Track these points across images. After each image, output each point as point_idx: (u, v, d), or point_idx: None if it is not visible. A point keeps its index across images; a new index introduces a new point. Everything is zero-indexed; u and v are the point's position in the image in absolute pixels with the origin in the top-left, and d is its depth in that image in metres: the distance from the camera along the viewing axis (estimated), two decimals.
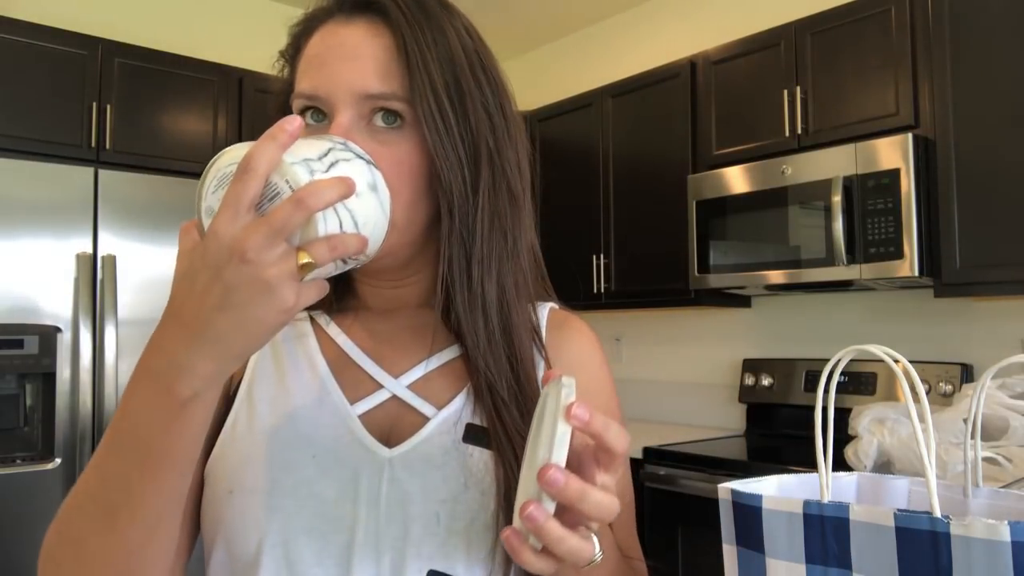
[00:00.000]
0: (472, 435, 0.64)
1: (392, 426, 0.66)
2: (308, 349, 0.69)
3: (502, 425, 0.64)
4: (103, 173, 2.44)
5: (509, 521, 0.60)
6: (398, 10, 0.62)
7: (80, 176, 2.40)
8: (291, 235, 0.47)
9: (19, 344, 2.24)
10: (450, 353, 0.70)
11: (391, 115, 0.62)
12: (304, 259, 0.47)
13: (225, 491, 0.62)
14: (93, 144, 2.66)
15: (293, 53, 0.68)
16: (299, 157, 0.50)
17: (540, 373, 0.70)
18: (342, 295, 0.73)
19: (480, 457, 0.64)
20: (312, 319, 0.72)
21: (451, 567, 0.61)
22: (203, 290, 0.47)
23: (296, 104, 0.64)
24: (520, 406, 0.66)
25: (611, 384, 0.77)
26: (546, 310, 0.76)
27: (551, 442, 0.48)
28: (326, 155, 0.52)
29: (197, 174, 3.24)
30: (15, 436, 2.32)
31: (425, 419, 0.66)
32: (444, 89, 0.62)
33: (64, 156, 2.57)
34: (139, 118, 2.78)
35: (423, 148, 0.62)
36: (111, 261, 2.40)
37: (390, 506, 0.62)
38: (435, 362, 0.69)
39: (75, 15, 2.95)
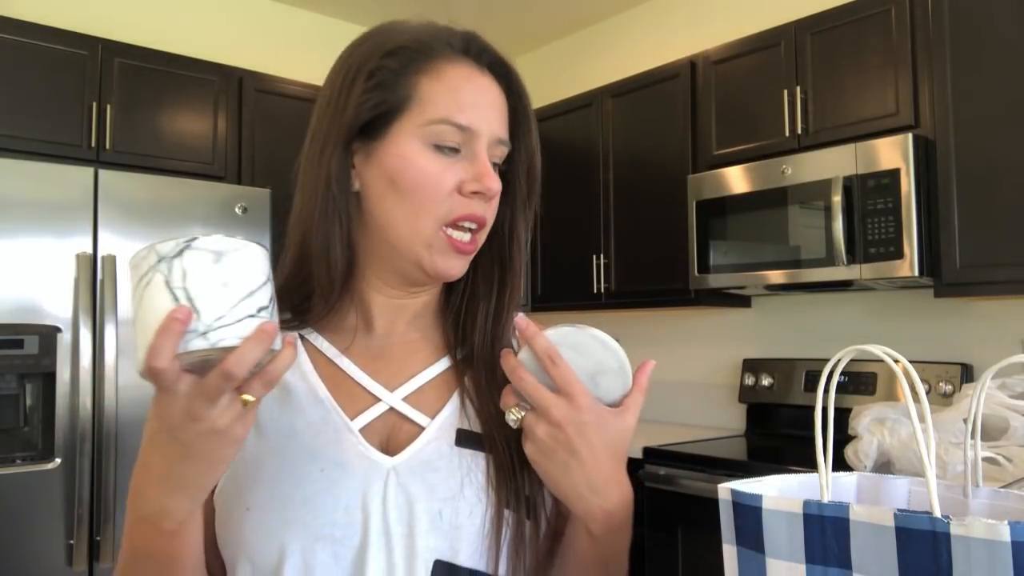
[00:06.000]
0: (463, 439, 0.73)
1: (391, 435, 0.73)
2: (304, 371, 0.75)
3: (499, 427, 0.71)
4: (103, 173, 2.44)
5: (502, 512, 0.71)
6: (518, 83, 0.77)
7: (80, 176, 2.40)
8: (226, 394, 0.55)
9: (19, 344, 2.24)
10: (440, 366, 0.78)
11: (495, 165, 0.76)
12: (247, 399, 0.56)
13: (243, 509, 0.69)
14: (93, 144, 2.66)
15: (402, 67, 0.72)
16: (214, 315, 0.53)
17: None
18: (334, 308, 0.77)
19: (473, 458, 0.72)
20: (302, 337, 0.77)
21: (454, 556, 0.68)
22: (164, 449, 0.57)
23: (438, 130, 0.71)
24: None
25: None
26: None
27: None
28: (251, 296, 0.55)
29: (197, 174, 3.21)
30: (15, 436, 2.31)
31: (420, 428, 0.73)
32: (534, 146, 0.81)
33: (64, 156, 2.58)
34: (139, 118, 2.78)
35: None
36: (111, 261, 2.39)
37: (397, 507, 0.69)
38: (428, 375, 0.77)
39: (75, 15, 2.94)
